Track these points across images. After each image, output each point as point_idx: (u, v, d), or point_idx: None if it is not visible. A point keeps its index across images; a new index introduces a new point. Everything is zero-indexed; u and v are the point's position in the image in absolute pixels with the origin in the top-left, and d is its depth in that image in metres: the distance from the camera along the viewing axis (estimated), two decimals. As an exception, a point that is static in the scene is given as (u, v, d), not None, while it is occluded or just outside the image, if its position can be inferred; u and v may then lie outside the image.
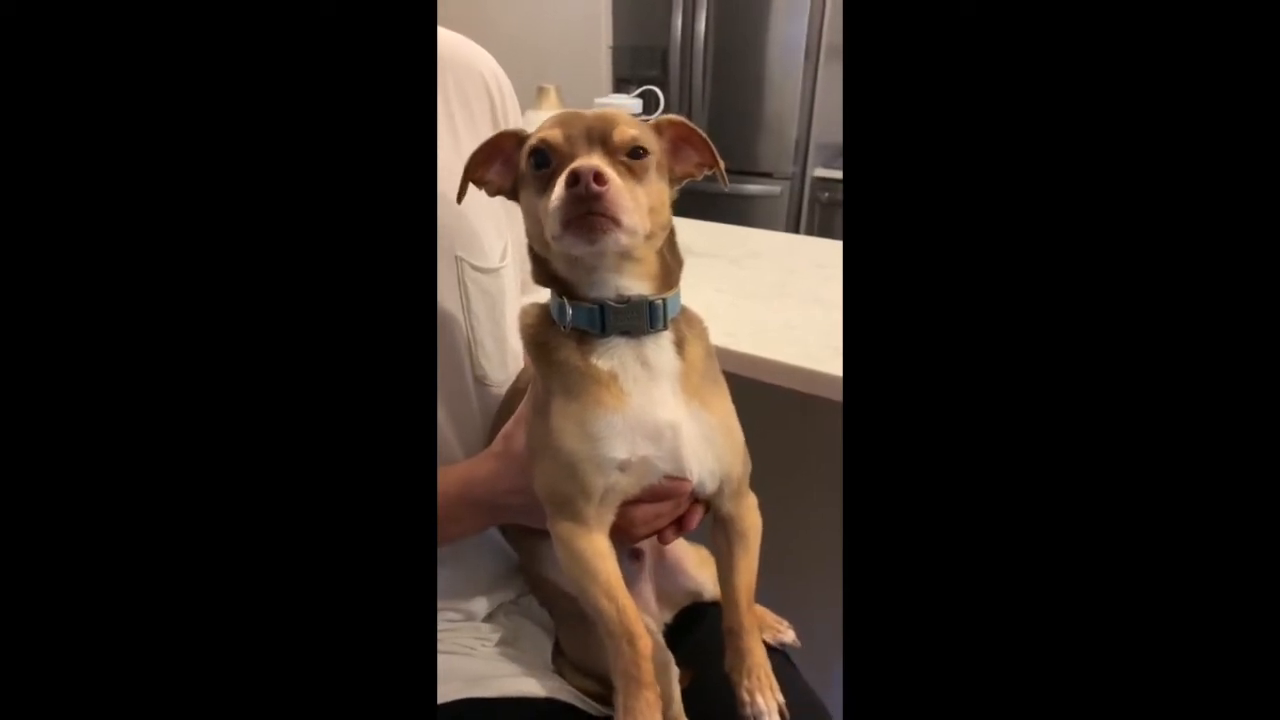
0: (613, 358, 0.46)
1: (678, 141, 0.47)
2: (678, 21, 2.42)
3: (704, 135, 0.46)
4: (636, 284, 0.46)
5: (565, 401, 0.46)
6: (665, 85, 2.47)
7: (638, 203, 0.42)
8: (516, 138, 0.47)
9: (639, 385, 0.46)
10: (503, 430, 0.55)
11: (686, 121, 0.46)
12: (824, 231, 2.41)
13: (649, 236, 0.44)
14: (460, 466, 0.56)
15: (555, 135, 0.43)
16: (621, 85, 2.63)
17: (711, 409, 0.48)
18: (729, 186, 0.49)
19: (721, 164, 0.47)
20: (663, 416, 0.46)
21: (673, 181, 0.47)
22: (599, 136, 0.42)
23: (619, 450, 0.45)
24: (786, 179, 2.44)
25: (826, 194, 2.42)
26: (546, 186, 0.42)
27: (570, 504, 0.46)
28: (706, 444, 0.48)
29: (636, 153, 0.43)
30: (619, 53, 2.64)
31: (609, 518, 0.48)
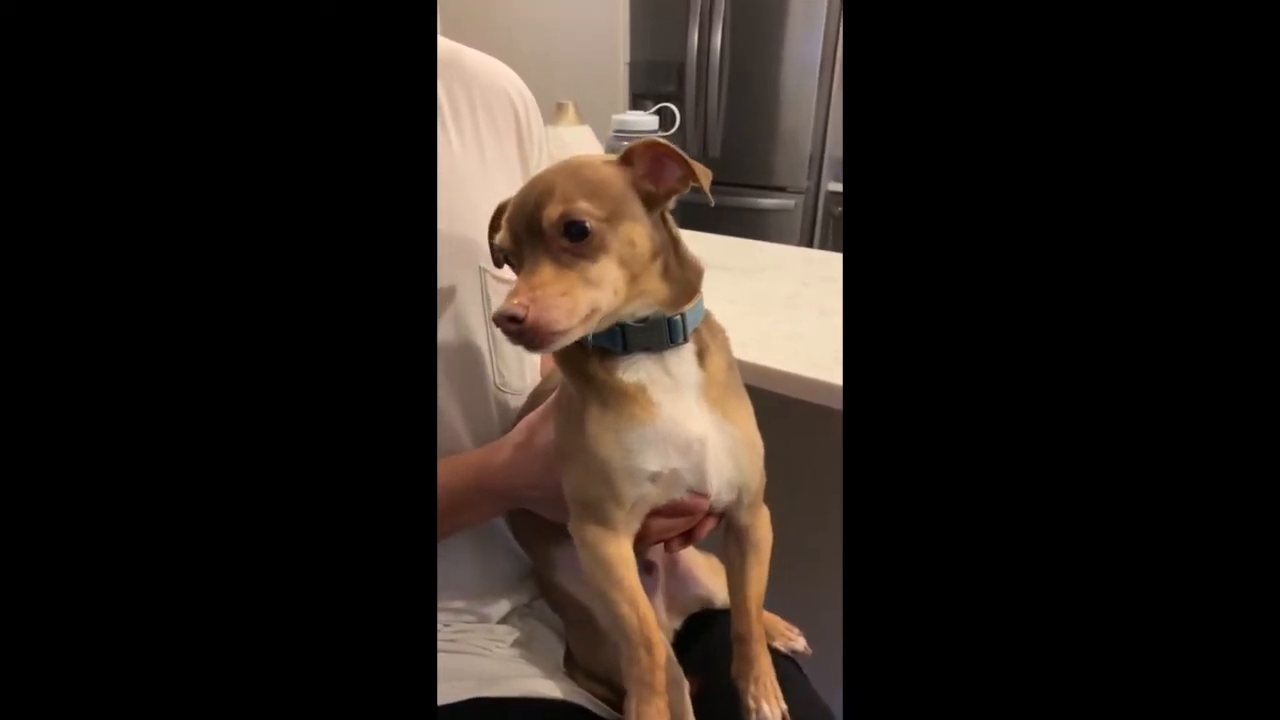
0: (638, 371, 0.47)
1: (656, 161, 0.46)
2: (694, 37, 2.45)
3: (679, 152, 0.45)
4: (649, 309, 0.46)
5: (600, 410, 0.47)
6: (681, 100, 2.50)
7: (591, 282, 0.42)
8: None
9: (668, 395, 0.47)
10: (526, 420, 0.55)
11: (658, 140, 0.46)
12: (837, 245, 2.42)
13: (633, 278, 0.44)
14: (476, 454, 0.57)
15: (505, 240, 0.45)
16: (638, 100, 2.66)
17: (735, 422, 0.49)
18: (713, 201, 0.48)
19: (702, 179, 0.46)
20: (693, 430, 0.47)
21: (657, 202, 0.46)
22: (537, 230, 0.43)
23: (652, 462, 0.46)
24: (800, 193, 2.45)
25: (840, 208, 2.43)
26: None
27: (600, 509, 0.47)
28: (729, 457, 0.48)
29: (572, 231, 0.42)
30: (635, 68, 2.66)
31: (635, 526, 0.49)
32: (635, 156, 0.46)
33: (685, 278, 0.48)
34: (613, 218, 0.43)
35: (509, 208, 0.45)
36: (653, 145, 0.46)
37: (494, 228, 0.51)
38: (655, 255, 0.46)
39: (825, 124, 2.41)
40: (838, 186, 2.43)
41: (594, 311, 0.42)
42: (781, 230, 2.47)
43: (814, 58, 2.30)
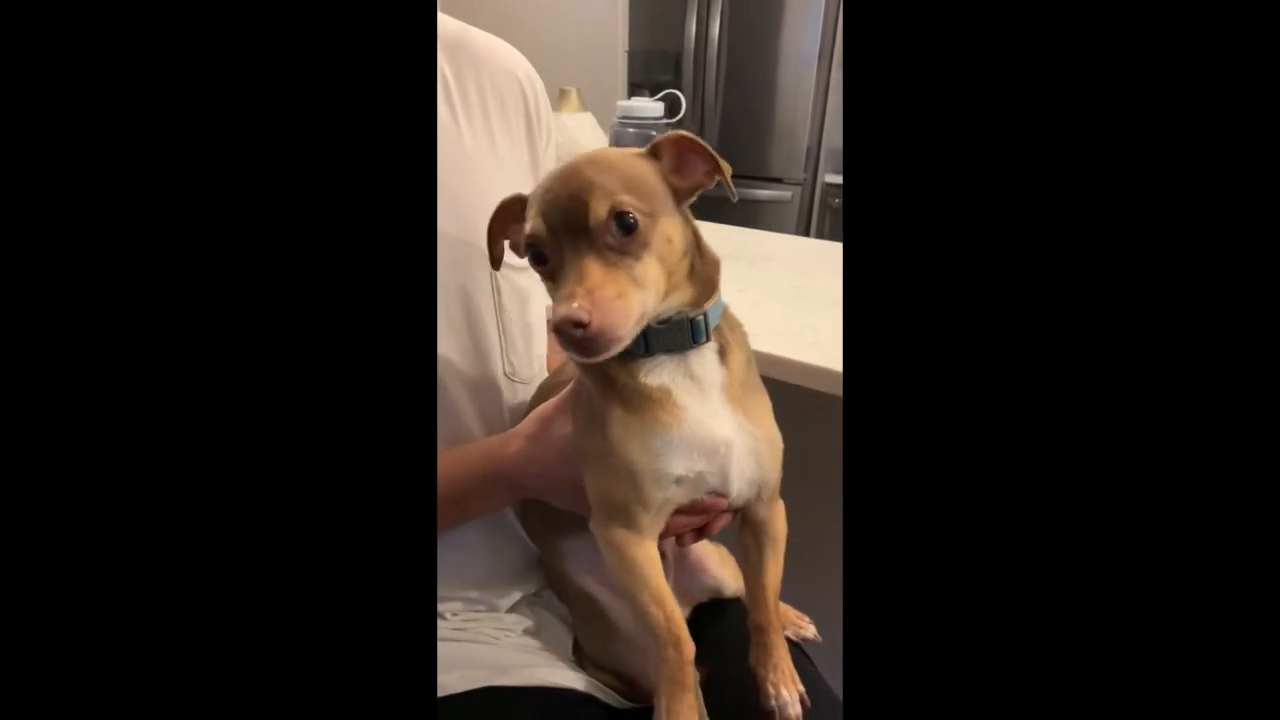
0: (661, 374, 0.46)
1: (682, 155, 0.44)
2: (691, 27, 2.44)
3: (706, 145, 0.43)
4: (673, 308, 0.45)
5: (623, 413, 0.46)
6: (678, 89, 2.48)
7: (638, 282, 0.40)
8: (520, 201, 0.46)
9: (693, 398, 0.46)
10: (539, 411, 0.54)
11: (686, 134, 0.44)
12: (834, 237, 2.42)
13: (668, 277, 0.43)
14: (486, 443, 0.56)
15: (539, 229, 0.42)
16: (636, 89, 2.65)
17: (757, 421, 0.48)
18: (736, 196, 0.46)
19: (728, 172, 0.44)
20: (718, 433, 0.46)
21: (682, 198, 0.45)
22: (579, 225, 0.40)
23: (678, 466, 0.45)
24: (797, 184, 2.45)
25: (837, 200, 2.43)
26: (553, 278, 0.42)
27: (626, 511, 0.47)
28: (752, 457, 0.48)
29: (623, 224, 0.40)
30: (634, 57, 2.65)
31: (660, 526, 0.48)
32: (663, 150, 0.44)
33: (707, 274, 0.47)
34: (653, 213, 0.42)
35: (538, 200, 0.43)
36: (680, 139, 0.44)
37: (500, 223, 0.49)
38: (686, 253, 0.44)
39: (822, 116, 2.41)
40: (834, 178, 2.43)
41: (642, 315, 0.41)
42: (778, 222, 2.47)
43: (811, 49, 2.30)
